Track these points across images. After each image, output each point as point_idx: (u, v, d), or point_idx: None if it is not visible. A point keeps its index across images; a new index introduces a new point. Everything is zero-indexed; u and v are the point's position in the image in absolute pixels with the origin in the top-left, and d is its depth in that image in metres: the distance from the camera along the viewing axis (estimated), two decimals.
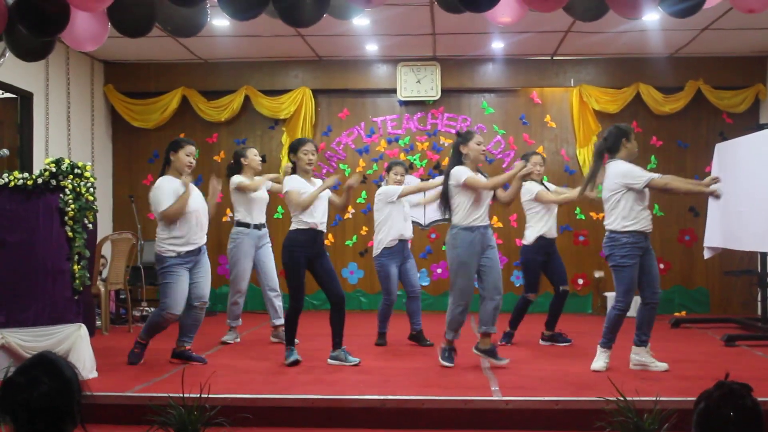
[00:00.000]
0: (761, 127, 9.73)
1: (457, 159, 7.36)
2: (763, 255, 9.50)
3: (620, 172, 7.12)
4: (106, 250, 10.01)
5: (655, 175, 7.14)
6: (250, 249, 8.63)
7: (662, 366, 7.11)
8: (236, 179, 8.57)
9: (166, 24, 5.34)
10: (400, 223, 8.54)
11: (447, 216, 7.50)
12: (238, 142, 11.90)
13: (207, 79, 11.87)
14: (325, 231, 7.62)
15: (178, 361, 7.49)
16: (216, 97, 11.84)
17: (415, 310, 8.72)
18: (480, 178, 7.20)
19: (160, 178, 7.51)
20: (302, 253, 7.32)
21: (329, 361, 7.44)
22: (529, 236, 8.58)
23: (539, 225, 8.52)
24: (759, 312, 9.70)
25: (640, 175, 7.07)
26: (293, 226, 7.41)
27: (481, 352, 7.29)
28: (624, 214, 7.14)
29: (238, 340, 8.88)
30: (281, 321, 8.54)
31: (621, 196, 7.13)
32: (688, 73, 11.47)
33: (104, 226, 10.97)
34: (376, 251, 8.60)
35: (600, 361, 7.19)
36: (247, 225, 8.62)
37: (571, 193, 8.63)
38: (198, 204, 7.52)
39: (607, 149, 7.30)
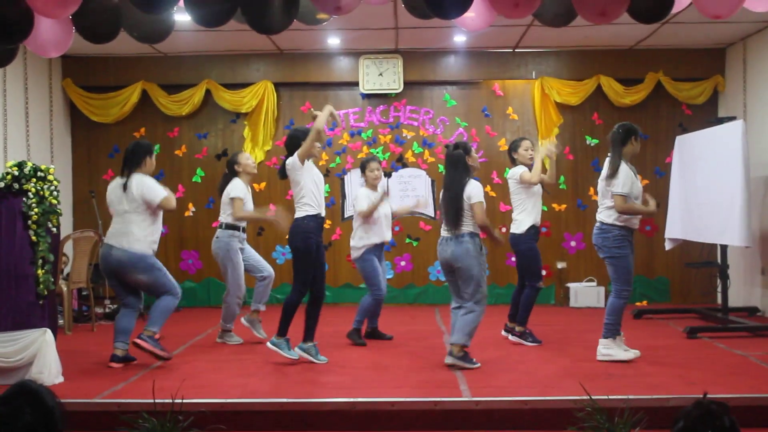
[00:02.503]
0: (720, 120, 9.85)
1: (466, 171, 7.32)
2: (723, 247, 9.62)
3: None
4: (68, 247, 9.91)
5: (620, 192, 7.34)
6: (239, 251, 8.69)
7: (632, 354, 7.41)
8: (236, 191, 8.56)
9: (132, 30, 5.26)
10: (381, 230, 8.66)
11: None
12: (200, 137, 11.82)
13: (167, 72, 11.74)
14: None
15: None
16: (177, 91, 11.73)
17: (378, 312, 8.82)
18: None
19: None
20: (314, 240, 7.39)
21: (297, 349, 7.46)
22: (523, 224, 8.33)
23: (534, 212, 8.36)
24: (719, 302, 9.82)
25: (621, 184, 7.34)
26: (302, 213, 7.36)
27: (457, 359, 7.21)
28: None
29: (241, 341, 8.73)
30: (263, 307, 8.76)
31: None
32: (648, 65, 11.56)
33: (65, 222, 10.81)
34: (356, 253, 8.63)
35: (623, 350, 7.42)
36: (236, 228, 8.65)
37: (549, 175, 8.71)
38: None
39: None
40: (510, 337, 8.55)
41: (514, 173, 8.40)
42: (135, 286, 7.51)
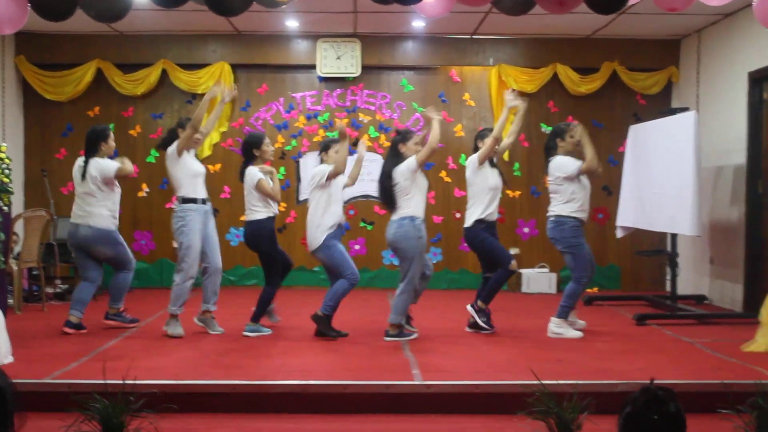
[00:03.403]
0: (673, 111, 9.97)
1: (396, 156, 7.89)
2: (673, 236, 9.76)
3: (556, 165, 8.04)
4: (19, 226, 9.80)
5: (580, 163, 7.99)
6: (199, 227, 8.01)
7: (579, 333, 7.97)
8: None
9: (88, 9, 5.20)
10: (338, 207, 8.11)
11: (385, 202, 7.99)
12: (155, 117, 11.73)
13: (123, 51, 11.61)
14: None
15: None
16: (132, 70, 11.61)
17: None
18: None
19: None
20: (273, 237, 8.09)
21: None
22: (470, 218, 8.18)
23: (482, 206, 8.12)
24: (668, 289, 9.97)
25: (571, 165, 7.96)
26: (262, 216, 8.00)
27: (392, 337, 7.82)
28: (567, 200, 8.05)
29: (183, 333, 8.00)
30: (215, 307, 8.23)
31: (560, 186, 8.07)
32: (604, 54, 11.67)
33: (16, 200, 10.68)
34: (317, 241, 7.98)
35: (570, 329, 8.05)
36: (194, 201, 8.00)
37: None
38: None
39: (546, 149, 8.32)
40: (468, 306, 8.28)
41: (471, 160, 8.27)
42: (102, 259, 8.24)
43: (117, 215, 8.27)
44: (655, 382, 3.05)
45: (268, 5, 5.44)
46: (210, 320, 8.22)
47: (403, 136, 7.98)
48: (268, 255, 8.03)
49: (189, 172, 7.99)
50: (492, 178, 8.21)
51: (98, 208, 8.07)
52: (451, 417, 5.77)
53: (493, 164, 8.32)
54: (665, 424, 2.88)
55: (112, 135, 8.04)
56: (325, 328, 7.92)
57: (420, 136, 7.98)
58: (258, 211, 8.02)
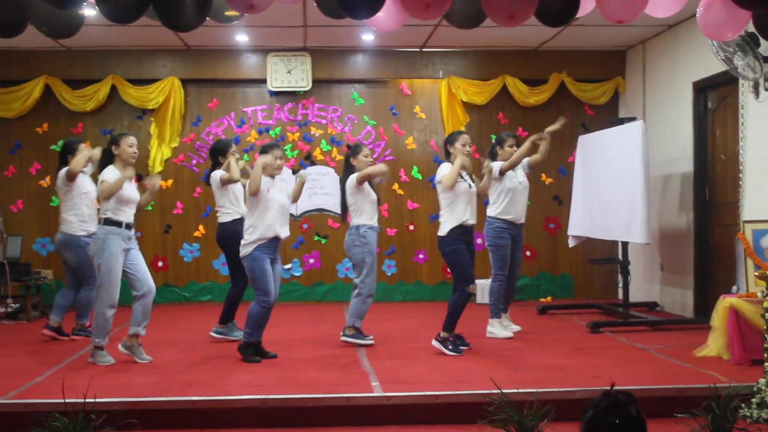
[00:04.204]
0: (621, 121, 10.14)
1: (349, 170, 8.35)
2: (624, 244, 9.90)
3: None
4: None
5: (499, 163, 8.69)
6: (119, 252, 7.37)
7: (510, 333, 8.60)
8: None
9: (40, 25, 5.15)
10: (275, 219, 7.52)
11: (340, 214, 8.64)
12: (105, 132, 11.62)
13: (71, 67, 11.50)
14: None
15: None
16: (81, 86, 11.50)
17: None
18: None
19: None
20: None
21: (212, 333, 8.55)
22: (445, 226, 7.83)
23: (457, 213, 7.77)
24: (620, 297, 10.11)
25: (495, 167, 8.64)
26: (229, 218, 8.42)
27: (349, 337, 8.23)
28: (492, 202, 8.75)
29: (113, 361, 7.38)
30: (144, 332, 7.56)
31: (494, 189, 8.67)
32: (552, 66, 11.83)
33: None
34: (245, 249, 7.50)
35: (503, 329, 8.67)
36: (118, 224, 7.35)
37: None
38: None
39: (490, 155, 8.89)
40: (433, 342, 7.82)
41: (440, 170, 7.96)
42: (70, 266, 8.58)
43: (86, 221, 8.47)
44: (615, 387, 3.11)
45: (219, 20, 5.45)
46: (136, 347, 7.53)
47: (353, 150, 8.37)
48: (234, 256, 7.87)
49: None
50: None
51: (65, 214, 8.48)
52: (412, 428, 5.80)
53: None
54: (626, 428, 2.92)
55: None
56: (246, 355, 7.52)
57: (370, 150, 8.51)
58: (226, 213, 8.44)
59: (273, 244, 7.54)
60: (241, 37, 11.03)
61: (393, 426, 5.83)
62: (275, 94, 11.84)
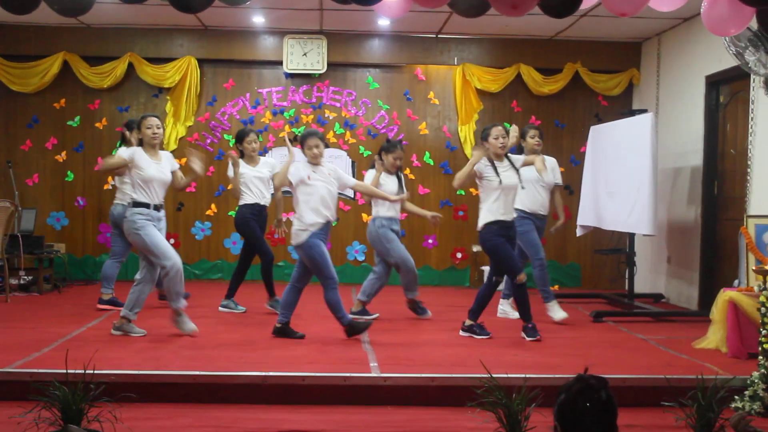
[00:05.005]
0: (633, 113, 10.15)
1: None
2: (631, 235, 9.94)
3: None
4: None
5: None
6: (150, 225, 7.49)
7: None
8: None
9: (52, 3, 5.25)
10: (320, 203, 7.55)
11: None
12: (121, 110, 11.76)
13: (90, 44, 11.63)
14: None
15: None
16: (99, 63, 11.63)
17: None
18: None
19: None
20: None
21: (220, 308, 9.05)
22: (482, 220, 7.87)
23: (495, 207, 7.78)
24: (626, 288, 10.15)
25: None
26: (242, 202, 8.97)
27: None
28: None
29: (144, 332, 7.64)
30: (135, 316, 7.66)
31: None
32: (567, 56, 11.85)
33: None
34: (300, 237, 7.51)
35: (560, 311, 8.89)
36: (146, 205, 7.47)
37: None
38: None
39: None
40: (460, 332, 7.96)
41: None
42: (119, 236, 8.87)
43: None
44: (604, 375, 3.18)
45: (230, 3, 5.51)
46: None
47: (387, 148, 8.87)
48: (247, 238, 9.07)
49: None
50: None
51: (119, 192, 9.09)
52: (406, 409, 5.88)
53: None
54: (597, 412, 3.02)
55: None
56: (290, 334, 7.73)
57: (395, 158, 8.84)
58: (242, 197, 8.96)
59: (324, 228, 7.59)
60: (258, 19, 11.10)
61: (389, 406, 5.92)
62: (291, 76, 11.91)
